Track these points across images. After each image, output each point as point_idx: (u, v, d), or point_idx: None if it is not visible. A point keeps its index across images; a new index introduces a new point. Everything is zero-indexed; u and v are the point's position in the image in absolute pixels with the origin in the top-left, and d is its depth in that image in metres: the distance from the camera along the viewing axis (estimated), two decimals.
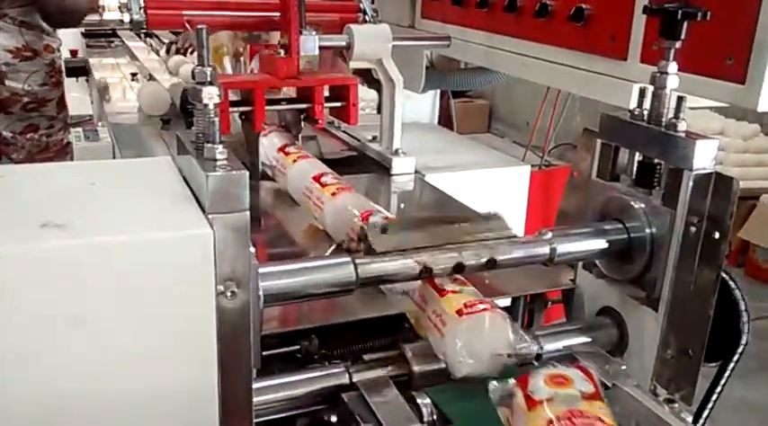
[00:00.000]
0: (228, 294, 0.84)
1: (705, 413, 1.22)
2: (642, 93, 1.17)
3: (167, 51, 3.46)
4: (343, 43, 1.96)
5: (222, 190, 0.84)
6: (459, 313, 1.03)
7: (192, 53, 3.24)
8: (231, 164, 0.87)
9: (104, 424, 0.84)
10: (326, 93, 1.94)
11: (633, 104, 1.18)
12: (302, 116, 1.98)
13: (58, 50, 3.45)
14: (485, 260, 1.11)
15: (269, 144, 1.85)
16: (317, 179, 1.56)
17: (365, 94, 2.31)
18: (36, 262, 0.76)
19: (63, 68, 3.54)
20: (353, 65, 1.99)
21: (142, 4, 1.99)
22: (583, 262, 1.30)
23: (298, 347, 1.20)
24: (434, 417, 1.02)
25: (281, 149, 1.79)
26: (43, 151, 3.46)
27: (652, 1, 1.43)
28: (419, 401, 1.03)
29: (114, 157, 2.29)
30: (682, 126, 1.10)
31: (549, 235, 1.18)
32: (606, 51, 1.64)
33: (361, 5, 2.11)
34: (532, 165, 2.65)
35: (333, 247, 1.46)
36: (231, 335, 0.85)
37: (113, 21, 2.13)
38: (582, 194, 1.30)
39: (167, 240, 0.82)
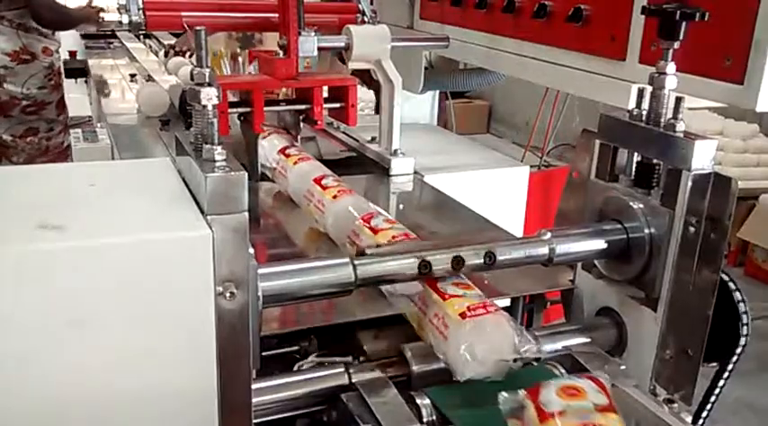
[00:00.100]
0: (228, 295, 0.84)
1: (704, 413, 1.22)
2: (641, 93, 1.17)
3: (166, 54, 3.45)
4: (342, 44, 1.96)
5: (221, 191, 0.84)
6: (463, 316, 1.03)
7: (190, 56, 3.24)
8: (230, 165, 0.87)
9: (104, 425, 0.84)
10: (325, 94, 1.94)
11: (632, 105, 1.18)
12: (301, 117, 1.98)
13: (57, 52, 3.45)
14: (484, 255, 1.11)
15: (269, 146, 1.85)
16: (317, 181, 1.56)
17: (363, 95, 2.31)
18: (34, 264, 0.76)
19: (62, 71, 3.54)
20: (352, 65, 1.99)
21: (141, 6, 1.99)
22: (582, 263, 1.30)
23: (297, 348, 1.20)
24: (434, 417, 1.02)
25: (282, 151, 1.79)
26: (43, 154, 3.46)
27: (650, 2, 1.44)
28: (418, 401, 1.03)
29: (113, 158, 2.28)
30: (680, 126, 1.10)
31: (548, 235, 1.18)
32: (605, 52, 1.65)
33: (360, 6, 2.11)
34: (531, 166, 2.65)
35: None
36: (230, 336, 0.85)
37: (112, 22, 2.13)
38: (581, 195, 1.30)
39: (166, 241, 0.82)
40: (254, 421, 0.92)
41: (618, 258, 1.21)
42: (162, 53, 3.63)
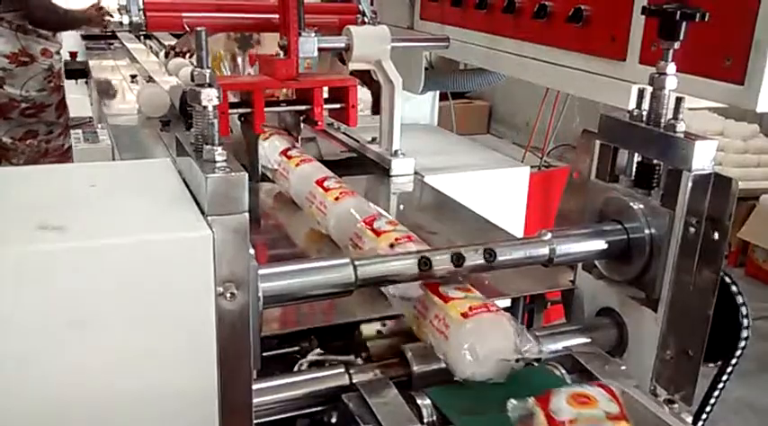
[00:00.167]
0: (228, 295, 0.84)
1: (705, 414, 1.22)
2: (641, 93, 1.17)
3: (166, 55, 3.45)
4: (343, 44, 1.96)
5: (221, 191, 0.84)
6: (465, 316, 1.03)
7: (191, 56, 3.24)
8: (230, 165, 0.87)
9: (104, 425, 0.84)
10: (326, 95, 1.95)
11: (632, 105, 1.18)
12: (301, 118, 1.98)
13: (58, 54, 3.44)
14: (483, 252, 1.11)
15: (270, 147, 1.85)
16: (320, 183, 1.55)
17: (361, 95, 2.31)
18: (34, 264, 0.76)
19: (63, 73, 3.53)
20: (353, 66, 1.99)
21: (141, 7, 1.99)
22: (582, 263, 1.30)
23: (298, 348, 1.20)
24: (434, 418, 1.02)
25: (284, 153, 1.78)
26: (43, 156, 3.46)
27: (651, 2, 1.44)
28: (419, 401, 1.02)
29: (114, 159, 2.29)
30: (680, 127, 1.10)
31: (549, 235, 1.18)
32: (605, 52, 1.65)
33: (360, 7, 2.11)
34: (532, 166, 2.65)
35: None
36: (231, 336, 0.85)
37: (113, 23, 2.13)
38: (581, 195, 1.30)
39: (166, 242, 0.82)
40: (255, 421, 0.92)
41: (618, 258, 1.21)
42: (162, 54, 3.63)
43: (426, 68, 2.53)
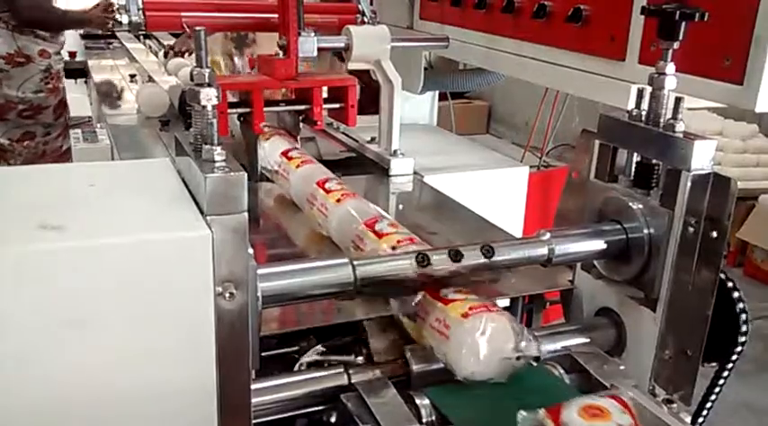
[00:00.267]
0: (227, 295, 0.84)
1: (703, 414, 1.22)
2: (640, 93, 1.17)
3: (165, 55, 3.45)
4: (342, 44, 1.96)
5: (220, 191, 0.84)
6: (465, 315, 1.03)
7: (190, 55, 3.24)
8: (229, 165, 0.87)
9: (103, 425, 0.84)
10: (325, 95, 1.94)
11: (631, 105, 1.18)
12: (301, 117, 1.98)
13: (57, 55, 3.41)
14: (481, 248, 1.12)
15: (271, 148, 1.84)
16: (321, 184, 1.54)
17: None
18: (34, 264, 0.76)
19: (62, 74, 3.50)
20: (352, 66, 1.99)
21: (141, 6, 1.99)
22: (581, 263, 1.30)
23: (297, 348, 1.20)
24: (433, 418, 1.02)
25: (285, 154, 1.77)
26: (40, 158, 3.44)
27: (650, 2, 1.44)
28: (418, 401, 1.02)
29: (113, 159, 2.28)
30: (680, 126, 1.10)
31: (548, 235, 1.18)
32: (604, 52, 1.65)
33: (360, 7, 2.11)
34: (531, 166, 2.65)
35: None
36: (230, 336, 0.85)
37: (115, 23, 2.13)
38: (580, 195, 1.30)
39: (165, 241, 0.82)
40: (254, 421, 0.92)
41: (617, 258, 1.21)
42: (162, 54, 3.63)
43: (426, 68, 2.53)
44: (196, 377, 0.86)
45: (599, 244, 1.20)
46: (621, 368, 1.15)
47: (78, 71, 4.09)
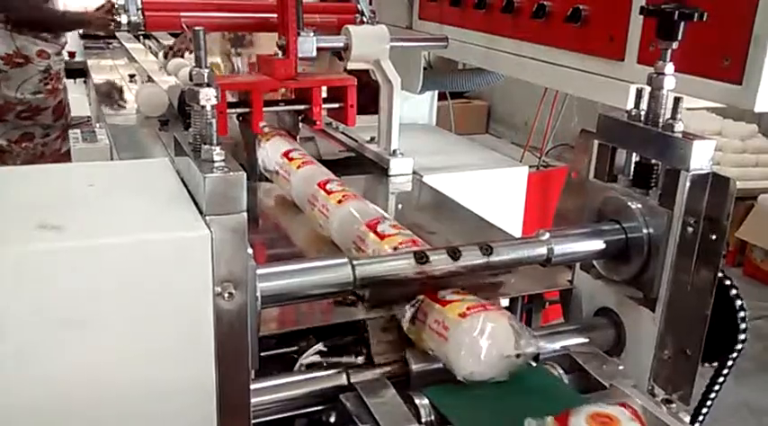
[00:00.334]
0: (226, 295, 0.84)
1: (703, 414, 1.22)
2: (639, 93, 1.17)
3: (165, 56, 3.44)
4: (341, 44, 1.96)
5: (219, 191, 0.84)
6: (463, 315, 1.03)
7: (190, 53, 3.23)
8: (229, 165, 0.87)
9: (102, 425, 0.84)
10: (324, 95, 1.94)
11: (630, 105, 1.18)
12: (300, 117, 1.98)
13: (57, 56, 3.38)
14: (480, 247, 1.12)
15: (272, 149, 1.83)
16: (322, 185, 1.54)
17: None
18: (33, 264, 0.76)
19: (62, 75, 3.48)
20: (351, 66, 1.99)
21: (140, 6, 1.99)
22: (580, 263, 1.30)
23: (296, 348, 1.20)
24: (432, 417, 1.02)
25: (285, 154, 1.77)
26: (39, 159, 3.43)
27: (649, 2, 1.44)
28: (417, 401, 1.02)
29: (112, 159, 2.28)
30: (679, 126, 1.10)
31: (547, 235, 1.18)
32: (603, 52, 1.65)
33: (359, 6, 2.11)
34: (530, 166, 2.65)
35: None
36: (229, 336, 0.85)
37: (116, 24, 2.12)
38: (579, 195, 1.30)
39: (165, 241, 0.82)
40: (253, 421, 0.92)
41: (616, 258, 1.21)
42: (161, 54, 3.63)
43: (425, 68, 2.53)
44: (195, 377, 0.86)
45: (598, 244, 1.20)
46: (620, 367, 1.15)
47: (77, 71, 4.08)
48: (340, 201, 1.46)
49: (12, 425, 0.79)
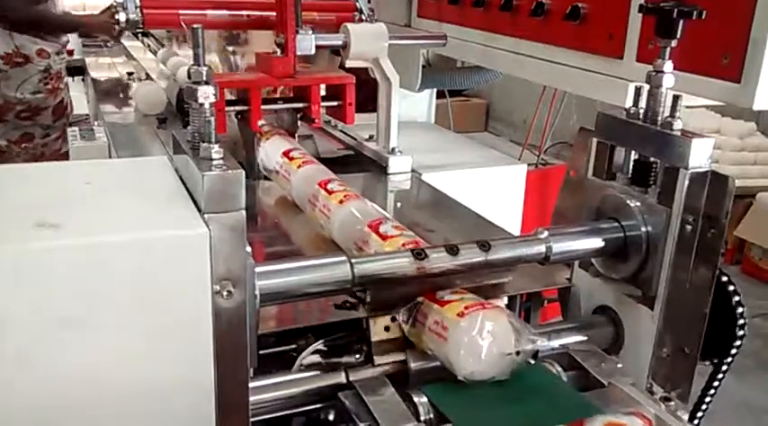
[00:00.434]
0: (225, 293, 0.84)
1: (701, 412, 1.23)
2: (638, 91, 1.17)
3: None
4: (340, 42, 1.96)
5: (218, 189, 0.84)
6: (461, 315, 1.03)
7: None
8: (227, 163, 0.87)
9: (101, 424, 0.84)
10: (323, 93, 1.94)
11: (629, 103, 1.18)
12: (299, 115, 1.98)
13: (58, 55, 3.34)
14: (478, 244, 1.12)
15: (272, 148, 1.82)
16: (323, 185, 1.52)
17: None
18: (31, 262, 0.76)
19: (63, 74, 3.44)
20: (349, 64, 1.99)
21: (138, 4, 1.99)
22: (579, 261, 1.30)
23: (294, 346, 1.20)
24: (431, 415, 1.02)
25: (286, 154, 1.75)
26: (39, 160, 3.41)
27: (648, 0, 1.43)
28: (416, 399, 1.02)
29: (110, 157, 2.28)
30: (677, 124, 1.10)
31: (546, 233, 1.18)
32: (602, 50, 1.65)
33: (358, 4, 2.11)
34: (529, 164, 2.65)
35: None
36: (227, 334, 0.85)
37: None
38: (578, 193, 1.30)
39: (163, 239, 0.82)
40: (252, 419, 0.92)
41: (615, 256, 1.21)
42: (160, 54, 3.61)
43: (423, 66, 2.53)
44: (194, 375, 0.85)
45: (597, 242, 1.20)
46: (619, 365, 1.15)
47: (76, 69, 4.07)
48: (341, 201, 1.44)
49: (11, 425, 0.79)
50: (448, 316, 1.04)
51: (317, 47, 1.91)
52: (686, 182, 1.09)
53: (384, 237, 1.26)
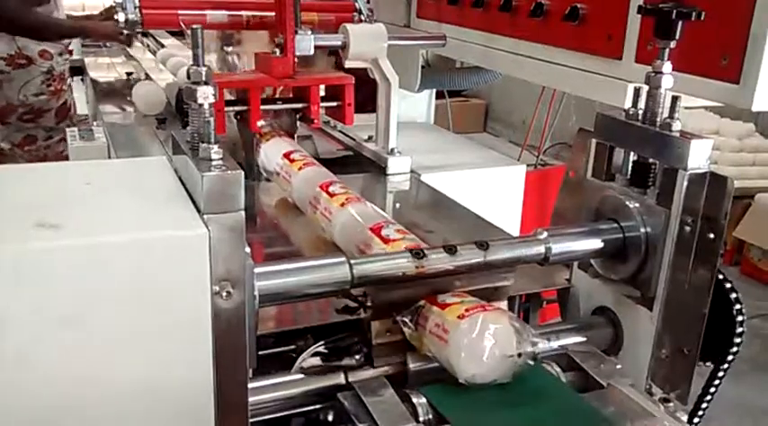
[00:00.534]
0: (224, 294, 0.84)
1: (700, 412, 1.23)
2: (637, 92, 1.17)
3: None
4: (339, 42, 1.96)
5: (217, 190, 0.84)
6: (462, 317, 1.02)
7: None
8: (226, 163, 0.87)
9: (100, 424, 0.84)
10: (322, 93, 1.94)
11: (628, 104, 1.18)
12: (298, 116, 1.98)
13: (61, 56, 3.31)
14: (476, 244, 1.12)
15: (272, 150, 1.82)
16: (324, 188, 1.51)
17: None
18: (31, 262, 0.76)
19: (66, 75, 3.42)
20: (349, 64, 1.99)
21: (137, 4, 1.99)
22: (578, 262, 1.30)
23: (294, 347, 1.20)
24: (430, 416, 1.02)
25: (286, 156, 1.74)
26: (41, 162, 3.39)
27: (647, 1, 1.44)
28: (415, 400, 1.02)
29: (109, 157, 2.28)
30: (676, 125, 1.11)
31: (545, 234, 1.18)
32: (601, 51, 1.65)
33: (357, 5, 2.11)
34: (528, 165, 2.65)
35: None
36: (227, 335, 0.85)
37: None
38: (577, 194, 1.30)
39: (162, 240, 0.82)
40: (251, 420, 0.92)
41: (614, 257, 1.21)
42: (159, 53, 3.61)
43: (423, 67, 2.53)
44: (193, 376, 0.85)
45: (596, 243, 1.20)
46: (618, 366, 1.15)
47: (75, 69, 4.07)
48: (343, 204, 1.43)
49: (11, 425, 0.79)
50: (448, 319, 1.03)
51: (316, 47, 1.91)
52: (685, 183, 1.09)
53: (386, 241, 1.25)
